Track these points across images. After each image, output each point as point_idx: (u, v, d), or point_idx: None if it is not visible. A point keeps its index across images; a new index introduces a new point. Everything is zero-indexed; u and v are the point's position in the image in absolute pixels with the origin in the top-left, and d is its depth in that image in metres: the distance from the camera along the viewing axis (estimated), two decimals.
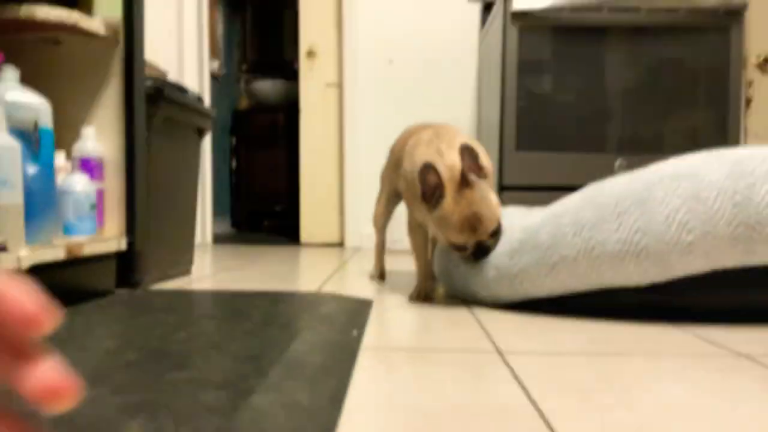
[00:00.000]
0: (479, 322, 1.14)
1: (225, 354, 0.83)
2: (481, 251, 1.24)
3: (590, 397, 0.69)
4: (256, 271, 1.97)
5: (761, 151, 1.08)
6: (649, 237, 1.07)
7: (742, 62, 2.22)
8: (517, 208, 1.51)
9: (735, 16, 2.17)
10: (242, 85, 4.85)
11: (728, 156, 1.09)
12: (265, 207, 4.44)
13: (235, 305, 1.23)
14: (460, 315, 1.21)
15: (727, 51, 2.19)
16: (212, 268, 2.04)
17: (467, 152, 1.16)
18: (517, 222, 1.27)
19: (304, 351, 0.85)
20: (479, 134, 2.81)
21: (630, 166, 2.12)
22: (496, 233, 1.23)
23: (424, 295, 1.38)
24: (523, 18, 2.21)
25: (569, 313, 1.19)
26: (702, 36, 2.20)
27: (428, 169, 1.17)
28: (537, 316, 1.19)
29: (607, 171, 2.18)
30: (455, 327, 1.09)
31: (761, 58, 3.25)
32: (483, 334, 1.03)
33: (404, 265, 2.14)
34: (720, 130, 2.20)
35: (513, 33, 2.22)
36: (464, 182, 1.17)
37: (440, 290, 1.51)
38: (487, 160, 1.28)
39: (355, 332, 1.00)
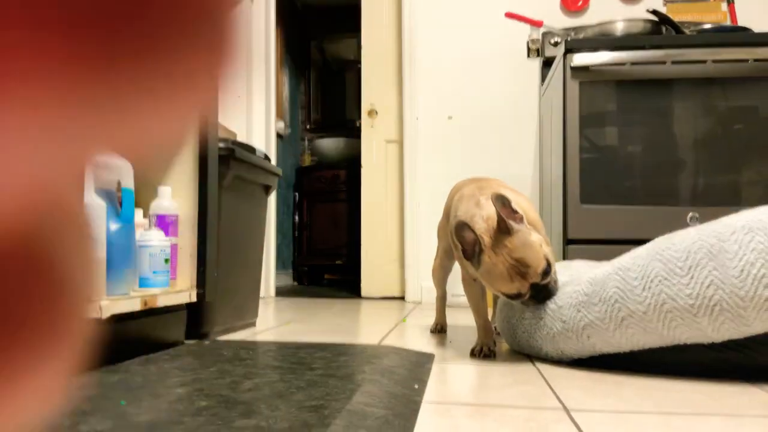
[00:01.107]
0: (544, 377, 1.11)
1: (290, 403, 0.85)
2: (539, 293, 1.21)
3: None
4: (317, 324, 1.99)
5: None
6: (723, 291, 1.03)
7: None
8: (583, 261, 1.48)
9: None
10: (306, 143, 5.03)
11: (755, 213, 1.05)
12: (326, 261, 4.51)
13: (298, 356, 1.25)
14: (524, 370, 1.18)
15: None
16: (276, 321, 2.08)
17: (499, 202, 1.16)
18: (585, 275, 1.25)
19: (367, 402, 0.85)
20: (542, 189, 2.79)
21: (703, 218, 2.05)
22: (548, 273, 1.20)
23: (486, 350, 1.36)
24: (583, 72, 2.23)
25: (639, 369, 1.14)
26: None
27: (462, 227, 1.17)
28: (605, 372, 1.15)
29: (678, 224, 2.11)
30: (519, 383, 1.07)
31: None
32: (548, 390, 1.00)
33: (467, 319, 2.12)
34: None
35: (574, 87, 2.24)
36: (502, 230, 1.16)
37: (503, 346, 1.48)
38: (533, 212, 1.28)
39: (416, 386, 1.00)
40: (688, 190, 2.19)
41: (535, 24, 2.78)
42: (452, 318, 2.12)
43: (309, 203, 4.57)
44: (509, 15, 2.77)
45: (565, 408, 0.88)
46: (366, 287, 3.19)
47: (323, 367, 1.11)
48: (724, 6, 2.78)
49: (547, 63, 2.87)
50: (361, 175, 3.26)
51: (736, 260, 1.03)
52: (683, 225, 2.10)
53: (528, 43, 2.90)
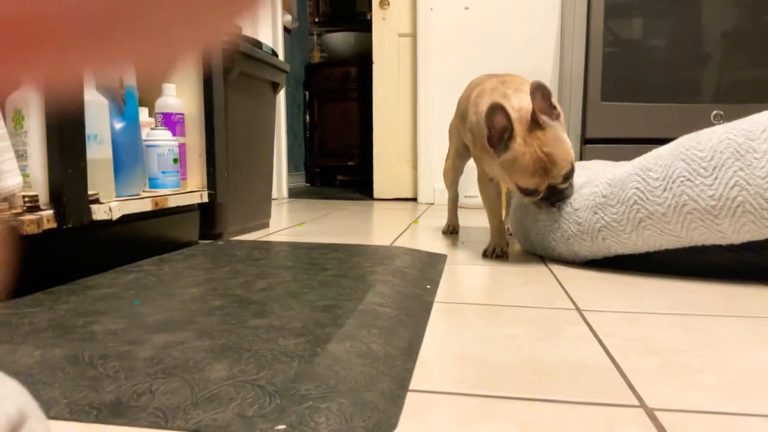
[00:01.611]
0: (557, 278, 1.11)
1: (303, 303, 0.85)
2: (554, 195, 1.19)
3: (675, 359, 0.66)
4: (330, 225, 2.00)
5: None
6: (748, 192, 0.99)
7: None
8: (601, 162, 1.44)
9: None
10: (315, 38, 4.84)
11: None
12: (338, 162, 4.48)
13: (311, 257, 1.25)
14: (537, 271, 1.18)
15: None
16: (288, 222, 2.09)
17: (540, 91, 1.11)
18: (603, 176, 1.21)
19: (379, 303, 0.86)
20: (561, 85, 2.68)
21: (728, 116, 1.98)
22: (569, 177, 1.17)
23: (499, 251, 1.35)
24: None
25: (654, 269, 1.14)
26: None
27: (495, 110, 1.12)
28: (619, 273, 1.14)
29: (702, 122, 2.04)
30: (531, 283, 1.06)
31: None
32: (560, 291, 1.00)
33: (479, 221, 2.12)
34: None
35: None
36: (535, 123, 1.12)
37: (515, 247, 1.48)
38: (558, 108, 1.23)
39: (428, 286, 1.00)
40: (713, 87, 2.09)
41: None
42: (464, 219, 2.12)
43: (320, 102, 4.47)
44: None
45: (577, 308, 0.88)
46: (378, 189, 3.18)
47: (336, 268, 1.11)
48: None
49: None
50: (372, 71, 3.15)
51: (765, 160, 0.99)
52: (708, 123, 2.03)
53: None
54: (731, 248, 1.05)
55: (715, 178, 1.02)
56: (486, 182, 1.38)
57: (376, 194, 3.19)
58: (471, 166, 1.69)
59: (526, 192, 1.19)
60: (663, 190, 1.07)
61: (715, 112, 2.05)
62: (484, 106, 1.23)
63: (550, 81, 2.76)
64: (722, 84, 2.08)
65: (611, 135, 2.13)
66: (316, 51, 4.83)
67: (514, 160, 1.14)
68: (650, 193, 1.09)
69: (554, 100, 1.17)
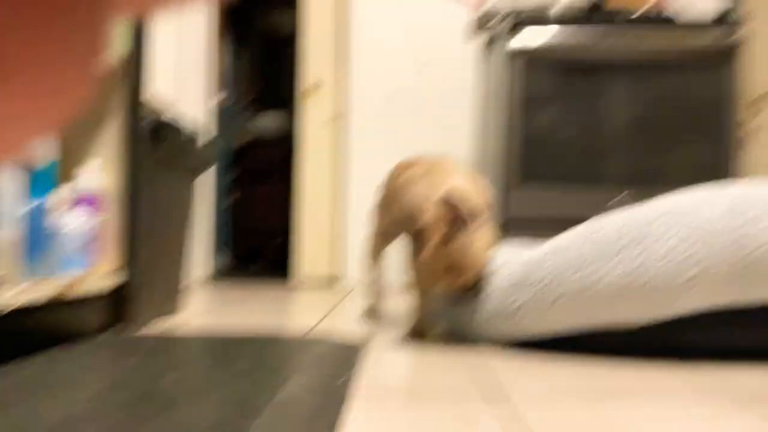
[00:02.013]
0: (478, 361, 1.11)
1: (215, 397, 0.81)
2: (460, 299, 1.23)
3: None
4: (249, 310, 1.95)
5: (759, 187, 1.07)
6: (650, 274, 1.05)
7: (737, 100, 2.22)
8: (519, 242, 1.49)
9: (731, 54, 2.19)
10: (244, 119, 4.89)
11: (727, 192, 1.09)
12: (261, 243, 4.42)
13: (225, 347, 1.20)
14: (458, 354, 1.18)
15: (727, 86, 2.20)
16: (205, 307, 2.02)
17: (450, 201, 1.14)
18: (519, 257, 1.25)
19: (295, 394, 0.83)
20: (482, 168, 2.81)
21: (634, 198, 2.11)
22: (478, 283, 1.21)
23: (422, 333, 1.35)
24: (523, 54, 2.23)
25: (569, 350, 1.16)
26: (698, 73, 2.21)
27: (410, 216, 1.17)
28: (536, 354, 1.16)
29: (611, 204, 2.17)
30: (453, 367, 1.06)
31: (754, 97, 3.27)
32: (482, 374, 1.01)
33: (404, 303, 2.12)
34: (720, 164, 2.20)
35: (515, 68, 2.24)
36: (448, 233, 1.15)
37: (439, 329, 1.48)
38: (484, 193, 1.27)
39: (348, 374, 0.98)
40: (618, 173, 2.25)
41: (477, 4, 2.77)
42: (392, 302, 2.12)
43: (246, 182, 4.46)
44: None
45: (498, 392, 0.88)
46: (303, 269, 3.15)
47: (251, 358, 1.07)
48: None
49: (489, 42, 2.87)
50: (299, 153, 3.19)
51: (662, 243, 1.06)
52: (614, 206, 2.16)
53: (471, 21, 2.89)
54: (632, 332, 1.10)
55: (621, 261, 1.08)
56: (413, 261, 1.39)
57: (300, 276, 3.15)
58: (394, 247, 1.71)
59: (435, 291, 1.24)
60: (574, 271, 1.12)
61: (621, 195, 2.20)
62: (410, 195, 1.26)
63: (471, 164, 2.89)
64: (627, 170, 2.24)
65: (531, 215, 2.24)
66: (246, 131, 4.86)
67: (423, 265, 1.18)
68: (563, 274, 1.13)
69: (476, 196, 1.22)
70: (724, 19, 2.24)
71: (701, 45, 2.18)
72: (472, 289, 1.21)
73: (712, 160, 2.21)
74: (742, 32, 2.19)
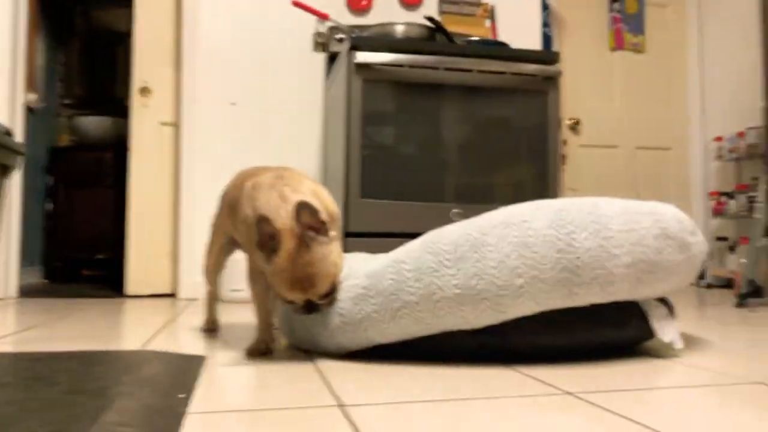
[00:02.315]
0: (321, 374, 1.08)
1: (24, 427, 0.69)
2: (311, 308, 1.19)
3: None
4: (69, 328, 1.73)
5: (579, 202, 1.19)
6: (485, 281, 1.11)
7: (557, 123, 2.47)
8: (361, 254, 1.50)
9: (551, 81, 2.43)
10: (65, 120, 4.42)
11: (551, 206, 1.19)
12: (86, 254, 4.01)
13: (36, 369, 1.05)
14: (301, 368, 1.15)
15: (546, 113, 2.44)
16: (15, 326, 1.76)
17: (306, 210, 1.11)
18: (362, 268, 1.25)
19: (118, 422, 0.73)
20: (325, 180, 2.81)
21: (465, 215, 2.23)
22: (329, 294, 1.19)
23: (264, 347, 1.29)
24: (366, 70, 2.28)
25: (410, 356, 1.18)
26: (525, 98, 2.42)
27: (263, 221, 1.11)
28: (378, 362, 1.16)
29: (445, 219, 2.27)
30: (295, 381, 1.02)
31: (573, 121, 3.68)
32: (324, 387, 0.98)
33: (246, 316, 2.03)
34: (542, 183, 2.42)
35: (357, 84, 2.28)
36: (303, 239, 1.12)
37: (282, 342, 1.43)
38: (333, 205, 1.26)
39: (182, 395, 0.90)
40: (453, 189, 2.38)
41: (322, 16, 2.78)
42: (230, 315, 2.02)
43: (67, 189, 4.02)
44: (296, 3, 2.73)
45: (341, 405, 0.86)
46: (133, 284, 2.90)
47: (68, 382, 0.94)
48: (488, 23, 3.08)
49: (332, 58, 2.89)
50: (131, 158, 2.94)
51: (495, 252, 1.12)
52: (449, 220, 2.27)
53: (314, 35, 2.89)
54: (473, 333, 1.15)
55: (458, 269, 1.12)
56: (256, 275, 1.32)
57: (130, 290, 2.89)
58: (234, 259, 1.63)
59: (284, 300, 1.18)
60: (415, 280, 1.14)
61: (454, 210, 2.32)
62: (261, 201, 1.20)
63: (314, 175, 2.88)
64: (460, 186, 2.38)
65: (370, 229, 2.27)
66: (65, 134, 4.39)
67: (275, 274, 1.13)
68: (404, 283, 1.15)
69: (328, 206, 1.20)
70: (545, 53, 2.48)
71: (527, 72, 2.39)
72: (325, 298, 1.18)
73: (537, 177, 2.42)
74: (556, 67, 2.44)
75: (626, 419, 0.79)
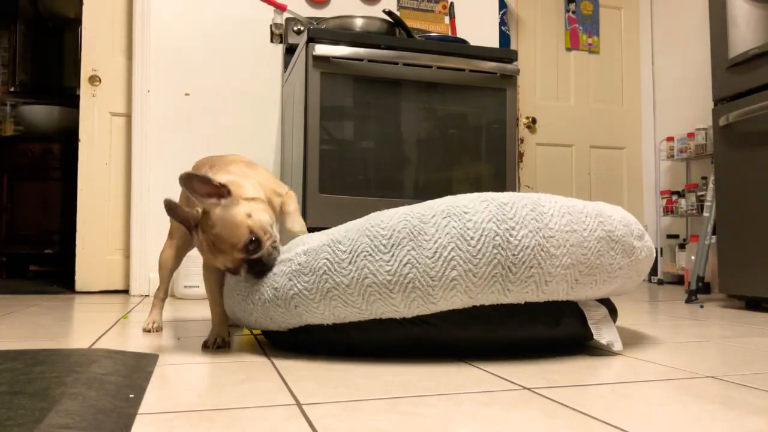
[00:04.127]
0: (278, 371, 1.06)
1: None
2: (253, 267, 1.18)
3: None
4: (11, 326, 1.66)
5: (524, 198, 1.18)
6: (417, 270, 1.10)
7: (514, 121, 2.50)
8: (319, 232, 1.48)
9: (509, 80, 2.45)
10: (8, 108, 4.23)
11: (496, 199, 1.17)
12: (32, 249, 3.85)
13: None
14: (257, 364, 1.12)
15: (504, 110, 2.46)
16: None
17: (193, 180, 1.14)
18: (301, 246, 1.22)
19: (62, 424, 0.69)
20: (283, 175, 2.76)
21: None
22: (257, 247, 1.18)
23: (220, 341, 1.27)
24: (324, 63, 2.25)
25: (358, 352, 1.17)
26: (483, 95, 2.44)
27: (168, 205, 1.17)
28: (336, 361, 1.15)
29: None
30: (251, 379, 1.00)
31: (529, 119, 3.73)
32: (282, 385, 0.96)
33: (200, 312, 1.98)
34: (499, 180, 2.44)
35: (315, 77, 2.25)
36: (205, 211, 1.17)
37: (244, 338, 1.40)
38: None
39: (132, 395, 0.86)
40: (411, 184, 2.37)
41: (280, 7, 2.74)
42: (187, 311, 1.97)
43: (10, 181, 3.85)
44: None
45: (298, 403, 0.84)
46: (83, 280, 2.80)
47: (8, 383, 0.89)
48: (447, 19, 3.09)
49: (290, 50, 2.85)
50: (79, 150, 2.84)
51: (432, 242, 1.11)
52: None
53: (272, 26, 2.84)
54: (403, 323, 1.14)
55: (393, 256, 1.11)
56: (210, 269, 1.31)
57: (79, 286, 2.79)
58: (190, 255, 1.58)
59: (228, 271, 1.22)
60: (348, 262, 1.13)
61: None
62: None
63: (273, 170, 2.83)
64: (419, 182, 2.38)
65: (329, 224, 2.25)
66: (9, 123, 4.21)
67: (199, 249, 1.20)
68: (338, 264, 1.13)
69: (223, 176, 1.22)
70: (503, 51, 2.50)
71: (486, 70, 2.40)
72: (258, 250, 1.17)
73: (494, 174, 2.44)
74: (514, 65, 2.46)
75: (582, 414, 0.80)
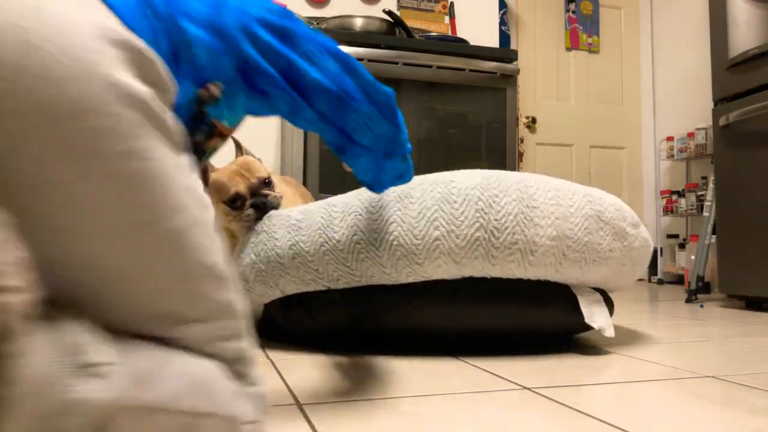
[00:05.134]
0: (277, 370, 1.06)
1: None
2: (260, 199, 1.30)
3: None
4: None
5: (512, 174, 1.20)
6: (402, 229, 1.12)
7: (514, 121, 2.50)
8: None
9: (509, 79, 2.45)
10: None
11: (482, 172, 1.20)
12: None
13: None
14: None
15: (504, 110, 2.46)
16: None
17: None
18: (298, 209, 1.27)
19: None
20: (283, 175, 2.76)
21: None
22: (268, 183, 1.33)
23: None
24: None
25: (364, 350, 1.17)
26: (483, 95, 2.44)
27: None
28: (332, 357, 1.15)
29: None
30: None
31: (529, 119, 3.73)
32: (281, 384, 0.96)
33: None
34: None
35: None
36: (238, 148, 1.43)
37: None
38: (256, 165, 1.40)
39: None
40: None
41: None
42: None
43: None
44: None
45: (298, 403, 0.84)
46: None
47: None
48: (447, 19, 3.09)
49: None
50: None
51: (417, 204, 1.14)
52: None
53: None
54: (396, 305, 1.16)
55: (380, 216, 1.14)
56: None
57: None
58: None
59: (233, 203, 1.29)
60: (340, 220, 1.17)
61: None
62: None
63: (273, 169, 2.83)
64: None
65: None
66: None
67: (216, 180, 1.30)
68: (330, 221, 1.18)
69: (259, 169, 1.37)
70: (503, 51, 2.50)
71: (486, 69, 2.40)
72: (266, 187, 1.33)
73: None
74: (514, 65, 2.46)
75: (583, 414, 0.80)
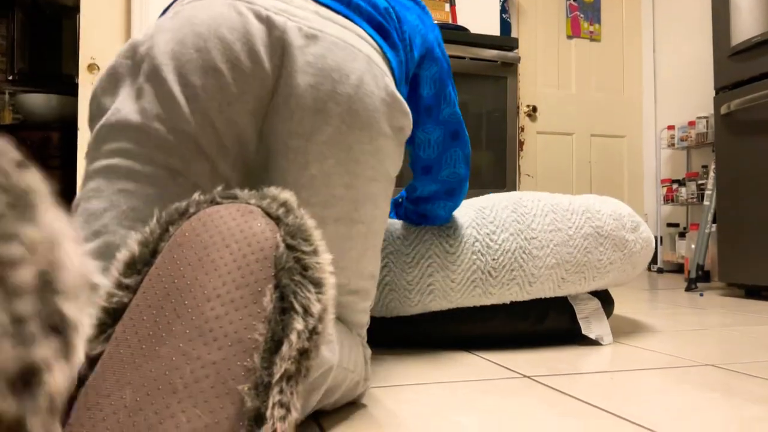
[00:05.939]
0: None
1: None
2: None
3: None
4: None
5: (502, 199, 1.19)
6: (393, 274, 1.12)
7: (515, 109, 2.49)
8: None
9: (509, 68, 2.44)
10: (6, 97, 4.22)
11: (474, 204, 1.19)
12: None
13: None
14: None
15: (504, 98, 2.45)
16: None
17: None
18: None
19: None
20: None
21: None
22: None
23: None
24: None
25: (369, 344, 1.18)
26: (484, 83, 2.43)
27: None
28: None
29: None
30: None
31: (530, 107, 3.72)
32: None
33: None
34: (499, 168, 2.44)
35: None
36: None
37: None
38: None
39: None
40: (411, 174, 2.37)
41: None
42: None
43: None
44: None
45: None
46: None
47: None
48: (447, 7, 3.07)
49: None
50: (79, 139, 2.83)
51: (410, 249, 1.13)
52: None
53: None
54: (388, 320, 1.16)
55: (382, 259, 1.14)
56: None
57: None
58: None
59: None
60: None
61: None
62: None
63: None
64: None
65: None
66: (7, 111, 4.19)
67: None
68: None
69: None
70: (504, 39, 2.49)
71: (487, 58, 2.39)
72: None
73: (495, 162, 2.44)
74: (515, 53, 2.45)
75: (582, 402, 0.80)
